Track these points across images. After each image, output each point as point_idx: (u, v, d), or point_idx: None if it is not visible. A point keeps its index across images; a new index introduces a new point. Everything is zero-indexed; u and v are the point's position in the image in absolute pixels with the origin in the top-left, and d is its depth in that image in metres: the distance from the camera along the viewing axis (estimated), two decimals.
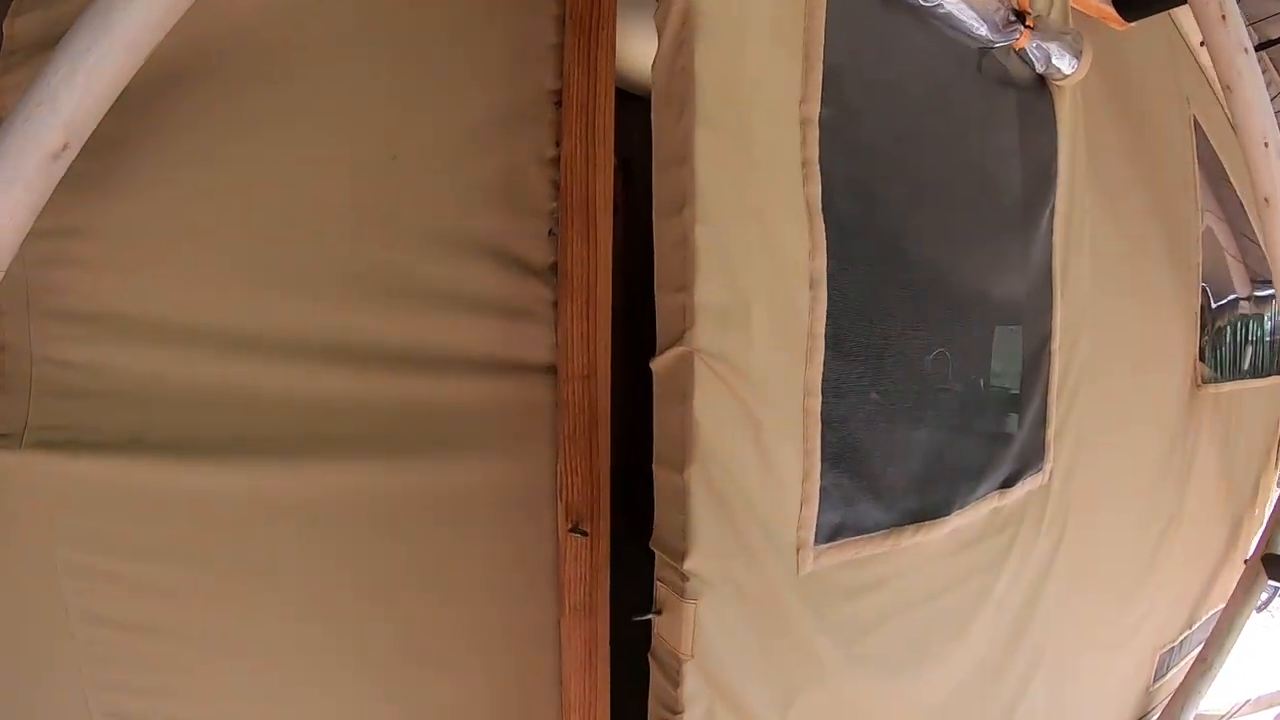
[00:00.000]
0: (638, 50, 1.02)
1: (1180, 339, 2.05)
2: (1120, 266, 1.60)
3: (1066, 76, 1.26)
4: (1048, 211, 1.22)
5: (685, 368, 0.70)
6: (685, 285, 0.69)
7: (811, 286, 0.78)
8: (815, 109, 0.79)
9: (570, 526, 0.95)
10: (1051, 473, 1.34)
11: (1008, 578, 1.31)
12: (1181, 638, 2.52)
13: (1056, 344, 1.27)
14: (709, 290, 0.70)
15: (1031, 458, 1.27)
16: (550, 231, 0.92)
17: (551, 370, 0.93)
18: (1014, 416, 1.18)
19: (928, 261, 0.96)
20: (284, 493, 0.90)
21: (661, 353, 0.73)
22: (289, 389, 0.89)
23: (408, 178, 0.92)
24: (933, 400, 0.98)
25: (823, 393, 0.79)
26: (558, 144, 0.92)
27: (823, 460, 0.81)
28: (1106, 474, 1.67)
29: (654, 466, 0.78)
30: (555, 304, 0.92)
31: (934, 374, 0.96)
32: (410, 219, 0.92)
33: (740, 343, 0.73)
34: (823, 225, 0.78)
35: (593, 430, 0.90)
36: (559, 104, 0.92)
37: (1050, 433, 1.31)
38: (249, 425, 0.89)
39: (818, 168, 0.79)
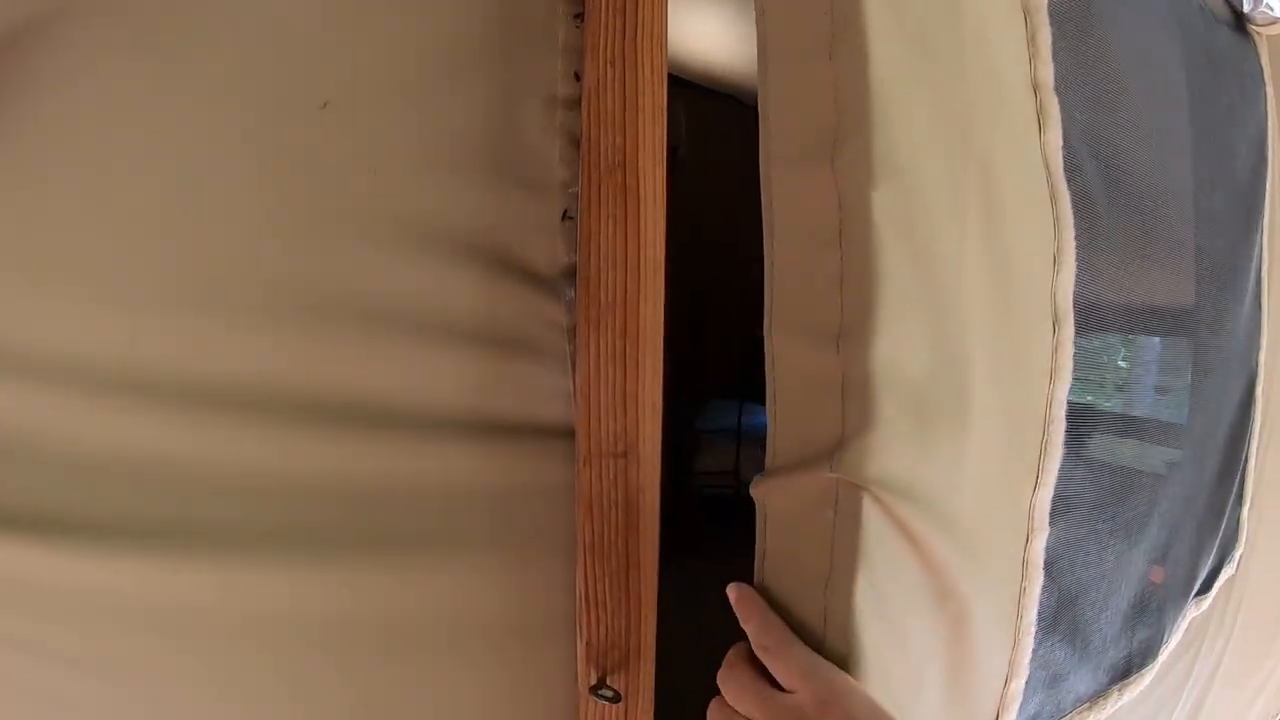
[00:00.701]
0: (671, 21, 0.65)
1: None
2: None
3: (1276, 20, 0.87)
4: (1264, 205, 0.82)
5: (842, 518, 0.32)
6: (854, 330, 0.31)
7: (1056, 324, 0.39)
8: None
9: (593, 683, 0.56)
10: (1240, 560, 0.94)
11: (1183, 702, 0.91)
12: None
13: (1261, 386, 0.87)
14: (901, 342, 0.32)
15: (1228, 546, 0.87)
16: (565, 215, 0.54)
17: (566, 436, 0.55)
18: (1224, 495, 0.78)
19: (1163, 275, 0.57)
20: (177, 598, 0.55)
21: (781, 472, 0.34)
22: (182, 452, 0.53)
23: (346, 137, 0.54)
24: (1161, 493, 0.59)
25: (1051, 521, 0.40)
26: (577, 77, 0.54)
27: (1037, 634, 0.42)
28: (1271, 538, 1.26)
29: None
30: (572, 332, 0.54)
31: (1169, 453, 0.56)
32: (349, 201, 0.54)
33: (949, 458, 0.34)
34: (1069, 205, 0.39)
35: (630, 539, 0.52)
36: (579, 16, 0.55)
37: (1245, 509, 0.90)
38: (133, 501, 0.54)
39: (1054, 97, 0.40)
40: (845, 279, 0.33)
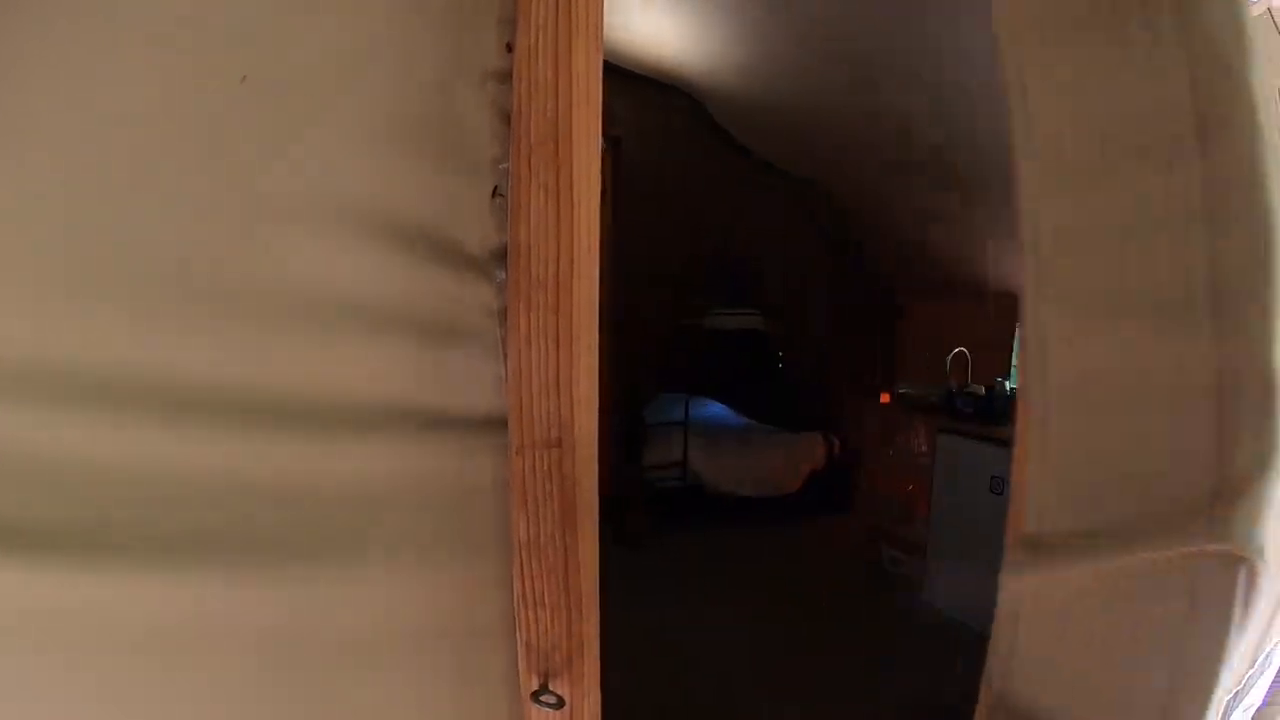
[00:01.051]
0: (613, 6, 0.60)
1: None
2: None
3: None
4: None
5: (1203, 607, 0.23)
6: (1244, 297, 0.22)
7: None
8: None
9: (535, 688, 0.52)
10: None
11: None
12: (1245, 678, 2.05)
13: None
14: None
15: None
16: (495, 192, 0.50)
17: (498, 426, 0.51)
18: None
19: None
20: (98, 608, 0.49)
21: (1067, 548, 0.24)
22: (81, 450, 0.48)
23: (265, 112, 0.49)
24: None
25: None
26: (509, 48, 0.50)
27: None
28: None
29: None
30: (503, 315, 0.50)
31: None
32: (267, 180, 0.49)
33: None
34: None
35: (567, 533, 0.47)
36: None
37: None
38: (42, 503, 0.48)
39: None
40: (1218, 215, 0.20)
